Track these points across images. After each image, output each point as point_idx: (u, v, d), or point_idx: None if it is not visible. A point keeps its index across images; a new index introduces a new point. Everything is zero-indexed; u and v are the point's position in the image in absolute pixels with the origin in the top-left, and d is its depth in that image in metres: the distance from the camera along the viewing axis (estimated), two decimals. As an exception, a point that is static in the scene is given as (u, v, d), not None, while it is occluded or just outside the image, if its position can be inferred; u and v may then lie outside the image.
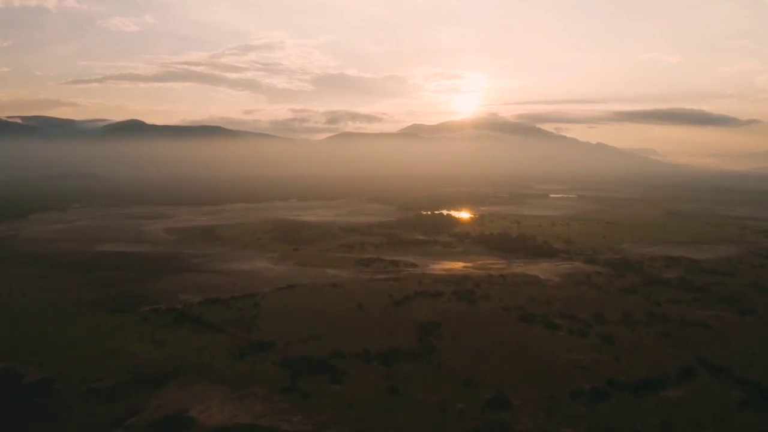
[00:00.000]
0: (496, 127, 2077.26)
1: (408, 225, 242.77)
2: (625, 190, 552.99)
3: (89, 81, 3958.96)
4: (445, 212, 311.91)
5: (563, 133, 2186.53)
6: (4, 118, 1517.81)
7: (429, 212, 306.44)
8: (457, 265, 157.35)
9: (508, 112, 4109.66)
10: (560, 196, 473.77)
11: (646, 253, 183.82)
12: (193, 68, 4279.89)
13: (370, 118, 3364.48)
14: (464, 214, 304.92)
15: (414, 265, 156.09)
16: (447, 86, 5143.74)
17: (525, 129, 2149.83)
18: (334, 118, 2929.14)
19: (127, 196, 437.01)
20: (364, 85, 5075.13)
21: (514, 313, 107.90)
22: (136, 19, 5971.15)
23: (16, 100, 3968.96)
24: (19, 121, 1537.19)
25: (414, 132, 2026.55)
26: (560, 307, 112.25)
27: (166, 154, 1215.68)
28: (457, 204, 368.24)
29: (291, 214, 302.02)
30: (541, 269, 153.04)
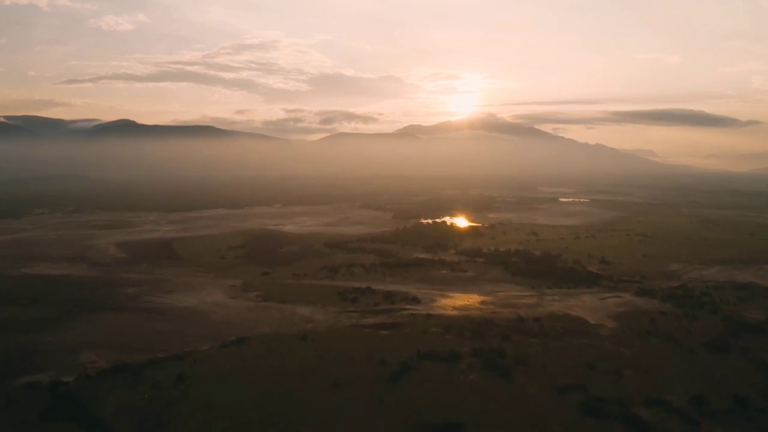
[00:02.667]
0: (494, 128, 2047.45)
1: (406, 238, 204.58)
2: (638, 194, 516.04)
3: (83, 81, 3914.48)
4: (448, 221, 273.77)
5: (561, 134, 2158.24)
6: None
7: (430, 221, 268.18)
8: (473, 300, 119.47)
9: (506, 113, 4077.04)
10: (571, 200, 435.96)
11: (705, 277, 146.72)
12: (188, 68, 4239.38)
13: (366, 119, 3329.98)
14: (471, 223, 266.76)
15: (415, 300, 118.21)
16: (444, 87, 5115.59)
17: (523, 130, 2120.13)
18: (328, 118, 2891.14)
19: (99, 200, 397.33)
20: (361, 85, 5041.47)
21: (571, 396, 70.35)
22: (129, 18, 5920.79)
23: (9, 100, 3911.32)
24: (3, 120, 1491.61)
25: (411, 132, 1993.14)
26: (637, 383, 74.76)
27: (156, 155, 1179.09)
28: (461, 210, 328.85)
29: (271, 222, 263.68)
30: (585, 306, 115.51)
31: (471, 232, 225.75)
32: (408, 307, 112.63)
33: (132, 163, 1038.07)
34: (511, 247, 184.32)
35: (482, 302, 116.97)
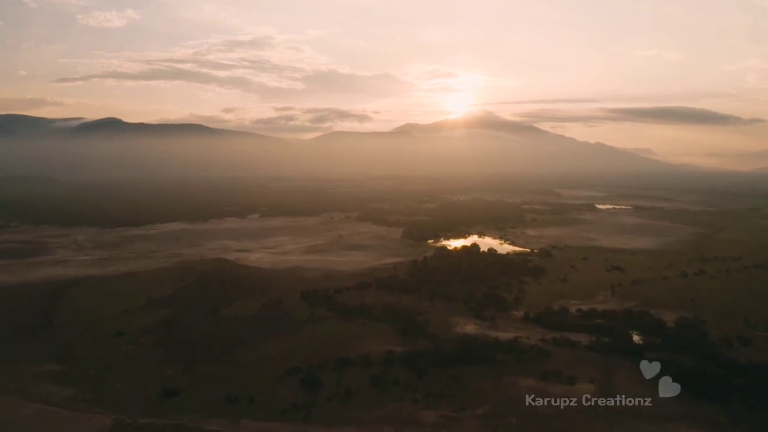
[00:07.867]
0: (493, 126, 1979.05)
1: (432, 282, 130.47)
2: (679, 198, 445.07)
3: (74, 79, 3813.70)
4: (481, 244, 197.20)
5: (561, 132, 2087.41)
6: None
7: (456, 245, 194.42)
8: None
9: (504, 111, 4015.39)
10: (610, 207, 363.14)
11: None
12: (179, 66, 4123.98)
13: (361, 117, 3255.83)
14: (515, 247, 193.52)
15: None
16: (441, 85, 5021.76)
17: (522, 128, 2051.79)
18: (321, 116, 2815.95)
19: (41, 208, 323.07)
20: (356, 83, 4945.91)
21: None
22: (118, 14, 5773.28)
23: (1, 99, 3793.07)
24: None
25: (407, 131, 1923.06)
26: None
27: (141, 154, 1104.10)
28: (487, 224, 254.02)
29: (235, 246, 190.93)
30: None
31: (524, 266, 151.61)
32: None
33: (114, 163, 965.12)
34: (605, 301, 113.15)
35: None
